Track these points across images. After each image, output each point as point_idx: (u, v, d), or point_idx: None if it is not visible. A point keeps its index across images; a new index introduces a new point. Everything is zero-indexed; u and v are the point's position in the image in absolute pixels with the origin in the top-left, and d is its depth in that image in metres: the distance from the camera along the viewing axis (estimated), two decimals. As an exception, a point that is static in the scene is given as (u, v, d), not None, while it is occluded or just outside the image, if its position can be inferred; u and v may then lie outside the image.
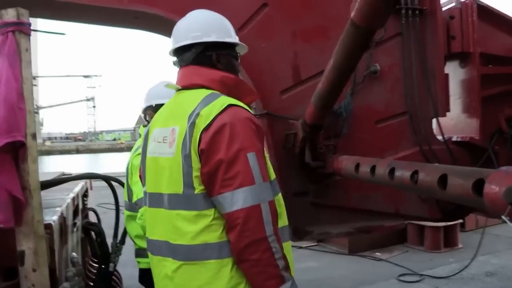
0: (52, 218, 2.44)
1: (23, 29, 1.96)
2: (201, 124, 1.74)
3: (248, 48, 2.15)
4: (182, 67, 2.01)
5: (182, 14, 3.79)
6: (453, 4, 4.36)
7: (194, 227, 1.74)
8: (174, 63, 2.06)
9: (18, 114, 1.97)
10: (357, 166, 3.02)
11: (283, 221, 1.93)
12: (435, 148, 4.13)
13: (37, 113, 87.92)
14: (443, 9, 4.34)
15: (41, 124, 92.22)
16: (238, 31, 3.94)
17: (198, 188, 1.75)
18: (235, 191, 1.68)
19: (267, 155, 1.94)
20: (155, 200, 1.91)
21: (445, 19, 4.28)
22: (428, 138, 4.15)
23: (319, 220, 4.01)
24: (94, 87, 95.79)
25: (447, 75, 4.28)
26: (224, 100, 1.80)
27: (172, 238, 1.81)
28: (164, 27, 4.09)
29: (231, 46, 2.04)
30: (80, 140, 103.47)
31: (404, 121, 4.15)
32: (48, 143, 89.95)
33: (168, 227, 1.82)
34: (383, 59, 4.12)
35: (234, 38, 2.06)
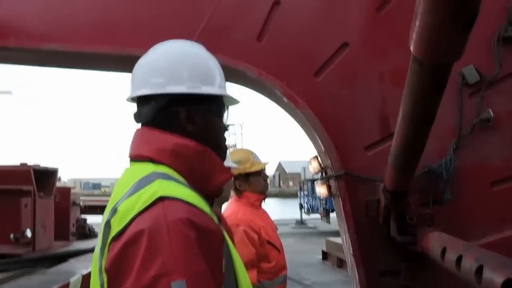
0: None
1: None
2: (115, 227, 1.16)
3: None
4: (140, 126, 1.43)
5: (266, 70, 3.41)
6: None
7: None
8: (134, 117, 1.46)
9: None
10: (444, 251, 2.21)
11: None
12: None
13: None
14: None
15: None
16: (313, 77, 3.43)
17: None
18: None
19: (239, 263, 1.32)
20: None
21: None
22: None
23: (413, 309, 3.15)
24: (235, 135, 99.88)
25: None
26: (156, 189, 1.19)
27: None
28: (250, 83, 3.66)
29: (211, 97, 1.42)
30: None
31: (532, 182, 3.16)
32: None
33: None
34: (499, 102, 3.21)
35: (218, 87, 1.42)
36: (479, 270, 1.74)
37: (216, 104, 1.45)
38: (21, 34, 3.57)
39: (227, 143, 1.51)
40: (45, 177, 3.67)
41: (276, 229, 3.50)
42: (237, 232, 3.00)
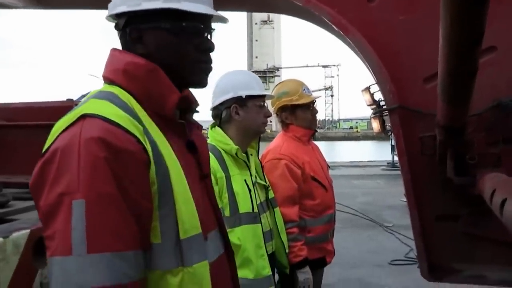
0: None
1: None
2: (46, 146, 1.13)
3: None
4: None
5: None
6: None
7: None
8: None
9: None
10: (493, 193, 1.92)
11: None
12: None
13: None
14: None
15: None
16: (367, 1, 3.09)
17: None
18: (51, 260, 1.02)
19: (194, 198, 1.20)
20: None
21: None
22: None
23: (473, 257, 2.86)
24: (333, 77, 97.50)
25: None
26: (83, 108, 1.14)
27: None
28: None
29: (160, 13, 1.24)
30: (318, 127, 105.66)
31: None
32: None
33: None
34: None
35: (178, 1, 1.25)
36: (503, 204, 1.47)
37: (179, 20, 1.26)
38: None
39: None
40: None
41: (329, 167, 3.30)
42: (279, 166, 2.87)
